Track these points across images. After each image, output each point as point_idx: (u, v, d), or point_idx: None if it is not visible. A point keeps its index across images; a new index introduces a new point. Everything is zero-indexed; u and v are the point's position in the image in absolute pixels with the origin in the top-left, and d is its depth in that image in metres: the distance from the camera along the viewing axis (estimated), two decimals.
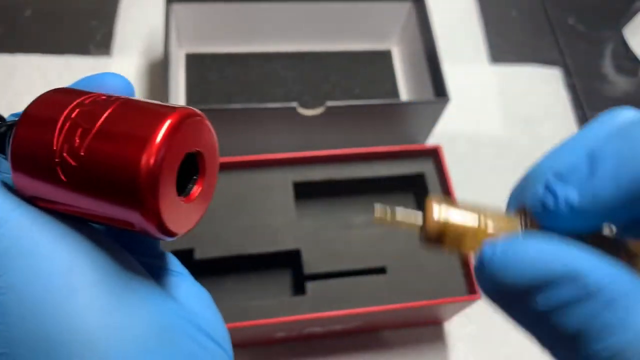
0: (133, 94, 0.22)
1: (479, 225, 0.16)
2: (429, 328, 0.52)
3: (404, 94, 0.65)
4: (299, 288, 0.48)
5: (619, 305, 0.13)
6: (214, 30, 0.63)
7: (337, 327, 0.48)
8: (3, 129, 0.20)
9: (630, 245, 0.16)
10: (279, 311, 0.43)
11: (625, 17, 0.75)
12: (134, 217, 0.17)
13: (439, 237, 0.16)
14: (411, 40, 0.64)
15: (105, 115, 0.18)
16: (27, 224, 0.18)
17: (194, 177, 0.20)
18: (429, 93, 0.58)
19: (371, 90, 0.65)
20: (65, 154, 0.18)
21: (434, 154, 0.52)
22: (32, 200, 0.19)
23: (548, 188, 0.15)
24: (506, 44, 0.72)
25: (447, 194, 0.50)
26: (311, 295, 0.45)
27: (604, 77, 0.71)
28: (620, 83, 0.71)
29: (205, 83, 0.63)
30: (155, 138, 0.17)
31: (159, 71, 0.63)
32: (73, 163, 0.18)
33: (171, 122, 0.17)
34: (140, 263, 0.21)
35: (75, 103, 0.18)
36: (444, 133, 0.62)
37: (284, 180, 0.49)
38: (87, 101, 0.18)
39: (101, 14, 0.67)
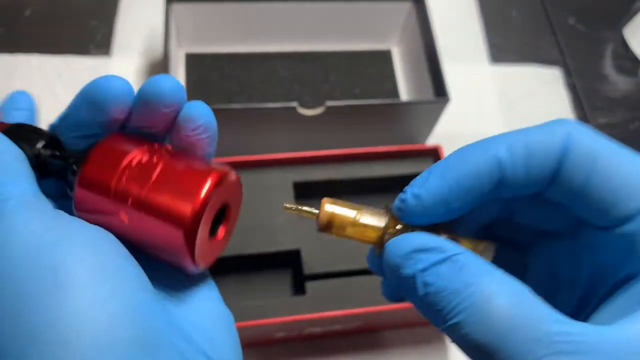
0: (132, 94, 0.23)
1: (355, 217, 0.21)
2: (429, 328, 0.52)
3: (404, 94, 0.65)
4: (299, 288, 0.48)
5: (468, 270, 0.18)
6: (214, 30, 0.63)
7: (337, 327, 0.48)
8: (67, 161, 0.23)
9: (461, 241, 0.22)
10: (279, 311, 0.43)
11: (625, 17, 0.75)
12: (175, 258, 0.22)
13: (328, 225, 0.21)
14: (411, 40, 0.64)
15: (152, 179, 0.21)
16: (39, 218, 0.19)
17: (220, 221, 0.24)
18: (429, 93, 0.58)
19: (371, 90, 0.65)
20: (120, 214, 0.22)
21: (434, 154, 0.52)
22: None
23: (403, 191, 0.21)
24: (506, 44, 0.72)
25: None
26: (311, 295, 0.45)
27: (604, 77, 0.71)
28: (621, 83, 0.71)
29: (205, 83, 0.63)
30: (198, 201, 0.21)
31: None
32: (126, 221, 0.22)
33: (210, 185, 0.21)
34: (164, 268, 0.23)
35: (122, 167, 0.22)
36: (444, 133, 0.62)
37: (284, 180, 0.49)
38: (134, 163, 0.22)
39: (101, 14, 0.67)
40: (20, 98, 0.27)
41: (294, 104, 0.51)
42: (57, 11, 0.67)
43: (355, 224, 0.21)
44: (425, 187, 0.20)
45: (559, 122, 0.20)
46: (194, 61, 0.64)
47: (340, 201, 0.22)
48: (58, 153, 0.24)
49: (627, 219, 0.19)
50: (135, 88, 0.23)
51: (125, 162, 0.22)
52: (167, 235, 0.21)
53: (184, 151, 0.23)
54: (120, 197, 0.21)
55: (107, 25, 0.66)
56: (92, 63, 0.63)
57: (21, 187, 0.20)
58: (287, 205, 0.22)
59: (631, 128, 0.67)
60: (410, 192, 0.20)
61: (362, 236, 0.21)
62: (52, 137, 0.24)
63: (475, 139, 0.21)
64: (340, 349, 0.50)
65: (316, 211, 0.22)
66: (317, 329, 0.48)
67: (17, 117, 0.26)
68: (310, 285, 0.45)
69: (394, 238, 0.20)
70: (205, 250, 0.23)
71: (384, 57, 0.68)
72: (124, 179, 0.22)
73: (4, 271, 0.18)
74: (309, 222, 0.51)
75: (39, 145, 0.24)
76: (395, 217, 0.21)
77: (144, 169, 0.22)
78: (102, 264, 0.19)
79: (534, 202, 0.22)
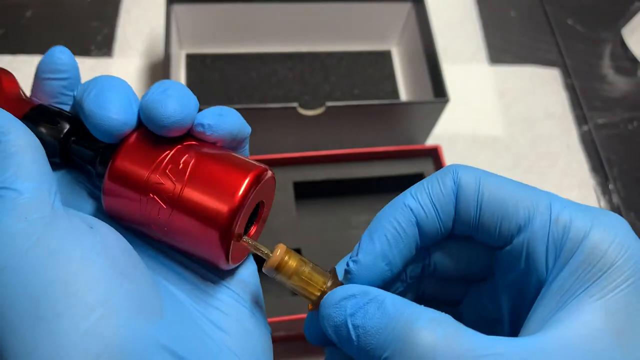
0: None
1: (302, 269, 0.23)
2: None
3: (404, 94, 0.66)
4: None
5: (390, 306, 0.19)
6: (214, 30, 0.63)
7: None
8: (94, 150, 0.22)
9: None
10: (279, 311, 0.43)
11: (624, 17, 0.75)
12: (209, 256, 0.21)
13: (277, 268, 0.23)
14: (411, 40, 0.64)
15: (186, 176, 0.21)
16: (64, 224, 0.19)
17: (253, 218, 0.24)
18: (428, 93, 0.58)
19: (371, 90, 0.65)
20: (151, 211, 0.21)
21: (434, 154, 0.53)
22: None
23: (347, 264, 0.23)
24: (505, 44, 0.72)
25: None
26: None
27: (603, 78, 0.71)
28: (619, 83, 0.71)
29: (206, 83, 0.63)
30: (236, 200, 0.20)
31: (159, 72, 0.63)
32: (156, 218, 0.21)
33: (247, 184, 0.21)
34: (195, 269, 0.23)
35: (156, 162, 0.21)
36: (443, 133, 0.62)
37: (284, 180, 0.50)
38: (167, 158, 0.21)
39: (102, 15, 0.67)
40: (59, 60, 0.23)
41: (294, 104, 0.51)
42: (58, 12, 0.67)
43: (301, 275, 0.23)
44: (361, 251, 0.22)
45: (447, 167, 0.23)
46: (194, 62, 0.64)
47: (294, 252, 0.23)
48: (83, 140, 0.22)
49: (517, 231, 0.21)
50: (137, 89, 0.23)
51: (159, 157, 0.21)
52: (201, 234, 0.20)
53: (219, 147, 0.22)
54: (153, 194, 0.20)
55: (108, 26, 0.66)
56: (93, 64, 0.63)
57: (23, 185, 0.19)
58: (245, 241, 0.23)
59: (630, 128, 0.68)
60: (350, 261, 0.22)
61: (303, 289, 0.23)
62: (77, 121, 0.22)
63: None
64: None
65: (268, 252, 0.23)
66: None
67: (55, 86, 0.23)
68: None
69: (328, 295, 0.21)
70: (238, 248, 0.22)
71: (384, 58, 0.68)
72: (157, 175, 0.21)
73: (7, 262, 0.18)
74: (310, 221, 0.51)
75: (64, 131, 0.22)
76: (336, 280, 0.23)
77: (178, 165, 0.21)
78: (89, 291, 0.18)
79: (451, 246, 0.24)
